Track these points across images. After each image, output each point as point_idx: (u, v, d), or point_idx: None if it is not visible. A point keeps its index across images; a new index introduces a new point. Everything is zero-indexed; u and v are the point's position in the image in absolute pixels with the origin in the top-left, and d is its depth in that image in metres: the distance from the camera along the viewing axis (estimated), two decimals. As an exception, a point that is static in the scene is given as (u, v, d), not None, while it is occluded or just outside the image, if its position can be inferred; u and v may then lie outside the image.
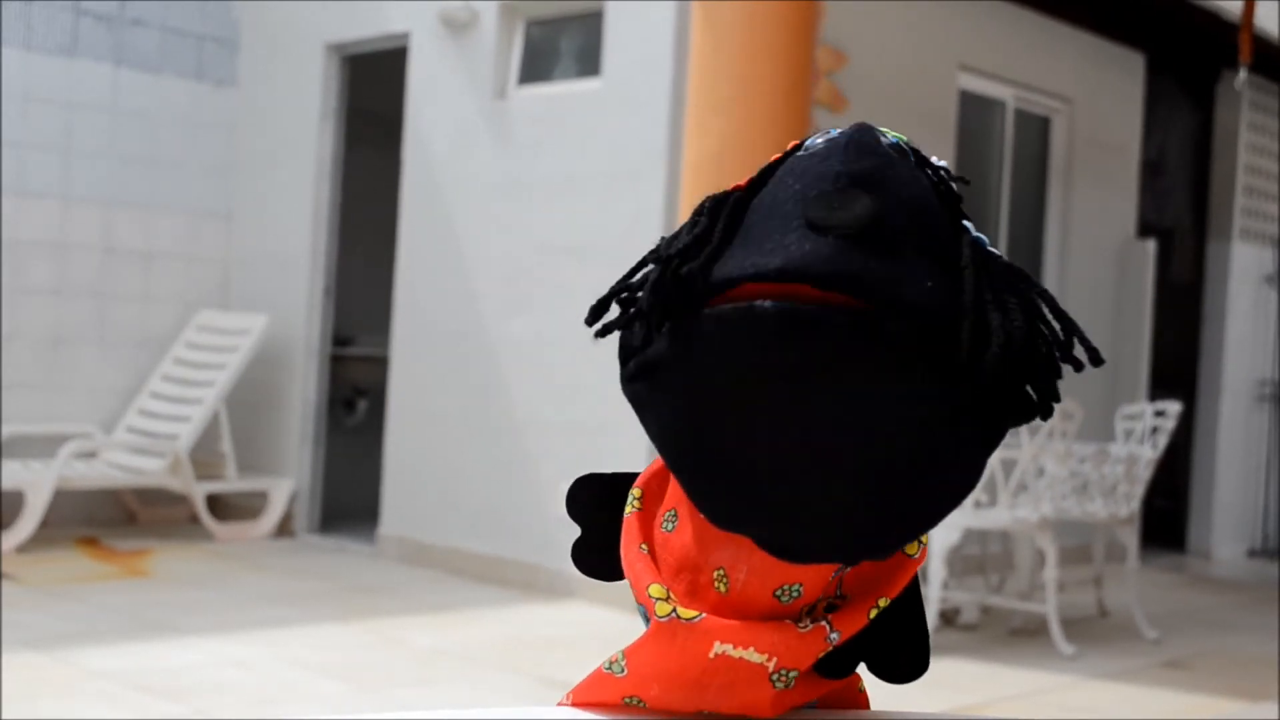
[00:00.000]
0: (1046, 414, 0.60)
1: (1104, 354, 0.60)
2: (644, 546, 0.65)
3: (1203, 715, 4.55)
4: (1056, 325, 0.61)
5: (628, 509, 0.67)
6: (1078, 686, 4.81)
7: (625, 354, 0.62)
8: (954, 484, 0.58)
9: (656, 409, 0.60)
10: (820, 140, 0.61)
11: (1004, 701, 4.50)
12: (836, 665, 0.65)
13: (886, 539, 0.59)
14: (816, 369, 0.55)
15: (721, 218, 0.60)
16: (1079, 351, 0.62)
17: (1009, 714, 4.36)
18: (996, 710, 4.40)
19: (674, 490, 0.65)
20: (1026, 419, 0.60)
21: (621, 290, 0.62)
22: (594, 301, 0.63)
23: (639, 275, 0.62)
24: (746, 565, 0.61)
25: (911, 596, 0.67)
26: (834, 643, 0.62)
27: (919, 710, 0.71)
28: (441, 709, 0.66)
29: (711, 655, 0.61)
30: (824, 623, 0.62)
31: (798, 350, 0.54)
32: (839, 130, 0.62)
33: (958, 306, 0.57)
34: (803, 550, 0.59)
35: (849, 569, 0.63)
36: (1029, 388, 0.59)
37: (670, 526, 0.65)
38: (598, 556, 0.70)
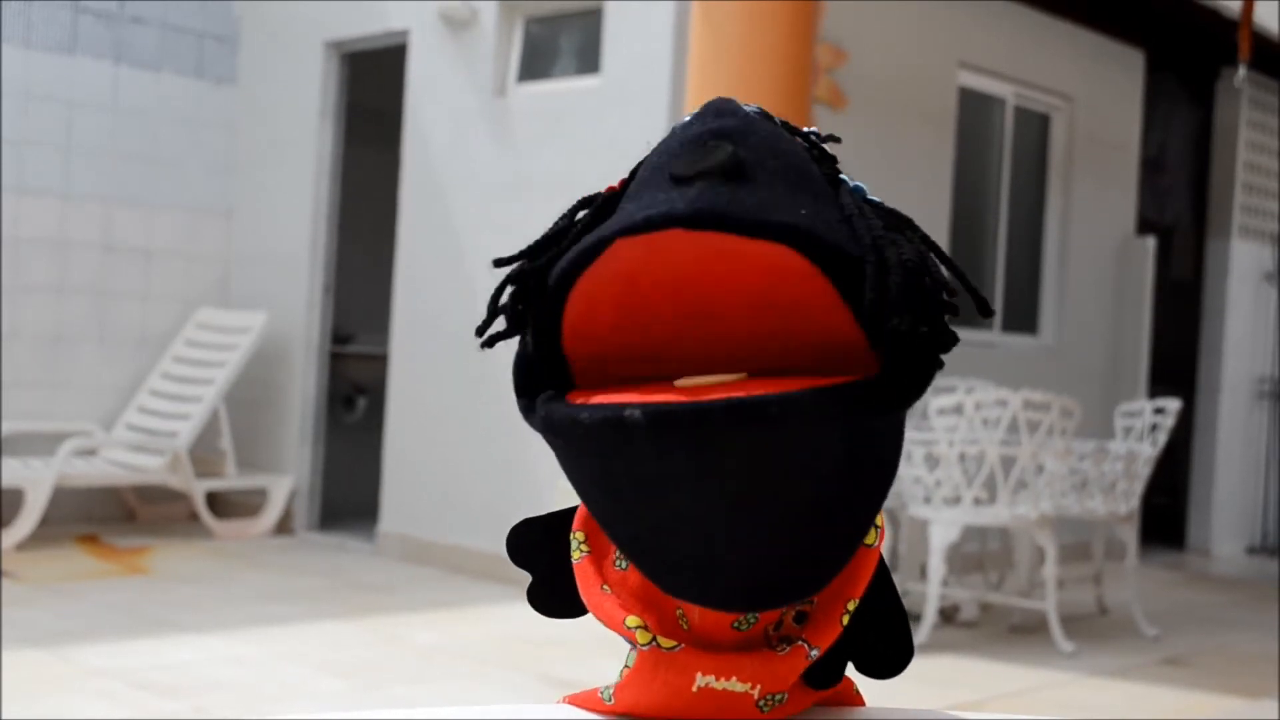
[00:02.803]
0: (935, 366, 0.57)
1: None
2: (605, 587, 0.64)
3: (1202, 713, 4.55)
4: (944, 270, 0.59)
5: (575, 554, 0.66)
6: (1077, 684, 4.81)
7: (517, 385, 0.61)
8: (872, 493, 0.58)
9: (563, 469, 0.60)
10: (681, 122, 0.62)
11: (1003, 698, 4.50)
12: (823, 675, 0.64)
13: (821, 574, 0.58)
14: (702, 467, 0.54)
15: (584, 211, 0.61)
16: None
17: (1008, 711, 4.37)
18: (995, 707, 4.40)
19: None
20: (923, 385, 0.57)
21: (497, 298, 0.62)
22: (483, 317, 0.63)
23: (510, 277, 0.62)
24: (698, 605, 0.61)
25: (883, 585, 0.66)
26: (814, 658, 0.61)
27: (918, 708, 0.71)
28: (441, 706, 0.67)
29: (695, 689, 0.60)
30: (801, 642, 0.61)
31: (677, 455, 0.53)
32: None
33: (844, 235, 0.56)
34: (737, 606, 0.58)
35: None
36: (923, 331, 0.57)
37: (624, 565, 0.64)
38: (552, 597, 0.70)
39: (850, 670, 0.68)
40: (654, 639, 0.61)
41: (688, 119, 0.61)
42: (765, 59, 4.40)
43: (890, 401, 0.55)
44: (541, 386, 0.60)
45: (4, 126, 6.76)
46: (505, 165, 6.27)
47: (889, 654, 0.67)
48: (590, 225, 0.60)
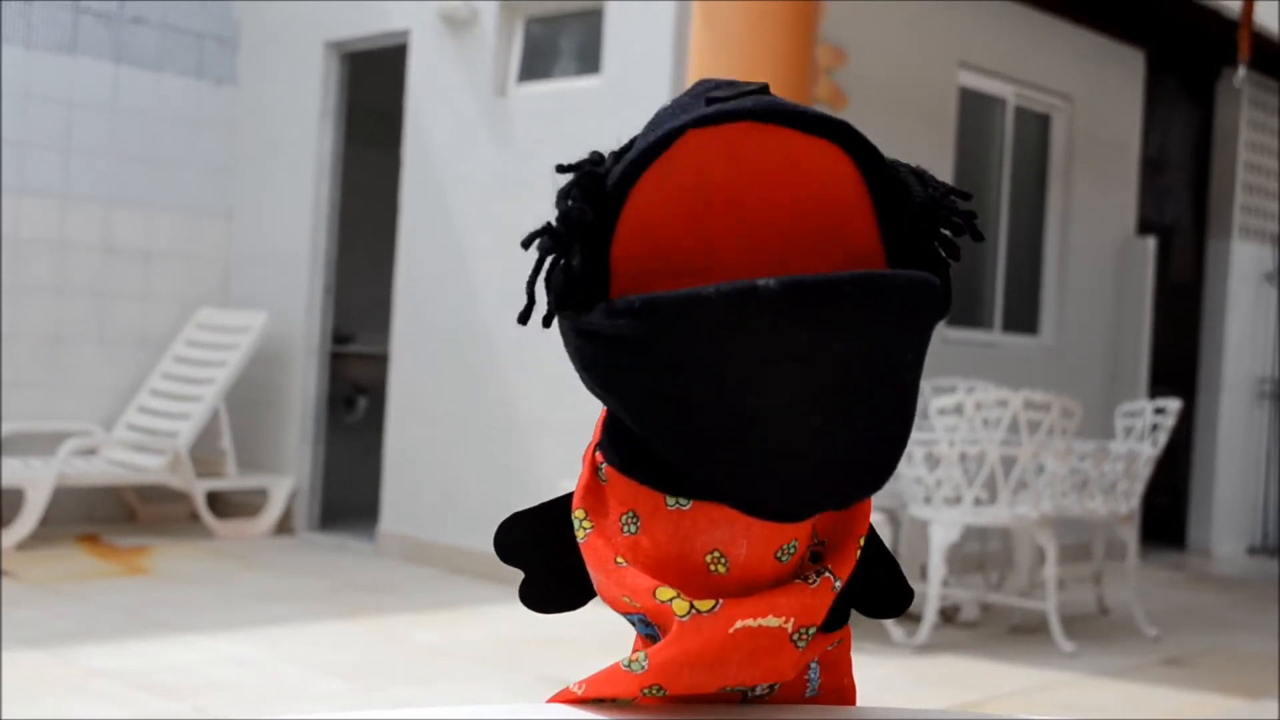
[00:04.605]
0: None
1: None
2: (620, 560, 0.63)
3: (1202, 713, 4.55)
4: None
5: (579, 534, 0.65)
6: (1077, 684, 4.81)
7: (561, 298, 0.60)
8: (914, 399, 0.60)
9: (623, 377, 0.58)
10: None
11: (1003, 699, 4.50)
12: (831, 616, 0.65)
13: (885, 471, 0.60)
14: (820, 337, 0.55)
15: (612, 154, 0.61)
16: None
17: (1009, 711, 4.36)
18: (996, 707, 4.40)
19: (623, 494, 0.63)
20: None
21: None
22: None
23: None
24: (745, 539, 0.60)
25: (873, 536, 0.68)
26: (838, 590, 0.62)
27: (919, 707, 0.71)
28: (442, 707, 0.66)
29: (731, 631, 0.60)
30: (827, 573, 0.62)
31: (807, 324, 0.54)
32: None
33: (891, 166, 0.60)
34: (807, 505, 0.58)
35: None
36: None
37: (633, 529, 0.63)
38: (547, 593, 0.69)
39: (853, 649, 0.68)
40: (692, 606, 0.60)
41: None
42: (765, 59, 4.40)
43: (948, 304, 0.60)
44: (583, 299, 0.60)
45: (4, 127, 6.76)
46: (506, 165, 6.27)
47: (890, 594, 0.69)
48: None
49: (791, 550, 0.62)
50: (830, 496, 0.59)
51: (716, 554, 0.61)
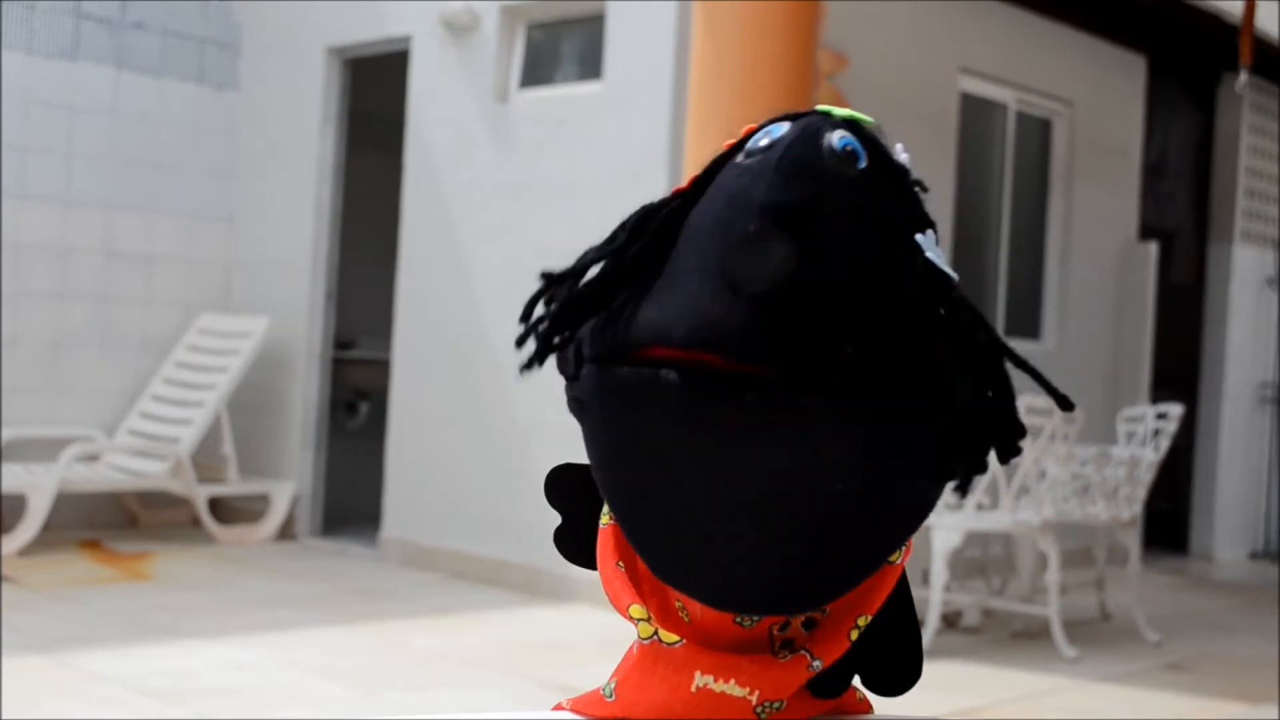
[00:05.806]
0: (1006, 456, 0.60)
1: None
2: (621, 564, 0.64)
3: (1204, 718, 4.54)
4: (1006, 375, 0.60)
5: (604, 519, 0.66)
6: (1079, 689, 4.80)
7: (562, 371, 0.63)
8: (881, 535, 0.58)
9: (588, 445, 0.61)
10: (764, 141, 0.59)
11: (1005, 704, 4.49)
12: (829, 685, 0.64)
13: (812, 595, 0.59)
14: (724, 442, 0.54)
15: (642, 237, 0.60)
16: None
17: (1010, 717, 4.36)
18: (998, 713, 4.40)
19: None
20: (979, 468, 0.59)
21: (543, 316, 0.63)
22: (521, 331, 0.64)
23: (560, 297, 0.62)
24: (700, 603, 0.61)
25: (901, 600, 0.66)
26: (816, 670, 0.61)
27: (920, 713, 0.71)
28: (442, 712, 0.66)
29: (694, 689, 0.60)
30: (804, 652, 0.61)
31: (704, 426, 0.54)
32: (787, 128, 0.59)
33: (891, 370, 0.55)
34: (729, 605, 0.58)
35: None
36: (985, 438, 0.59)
37: None
38: (580, 544, 0.69)
39: (856, 682, 0.67)
40: (656, 633, 0.61)
41: (763, 146, 0.59)
42: (767, 64, 4.40)
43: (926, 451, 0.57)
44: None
45: (5, 132, 6.77)
46: (507, 171, 6.27)
47: (897, 671, 0.66)
48: (650, 253, 0.60)
49: (754, 619, 0.61)
50: (735, 604, 0.58)
51: (680, 605, 0.62)
